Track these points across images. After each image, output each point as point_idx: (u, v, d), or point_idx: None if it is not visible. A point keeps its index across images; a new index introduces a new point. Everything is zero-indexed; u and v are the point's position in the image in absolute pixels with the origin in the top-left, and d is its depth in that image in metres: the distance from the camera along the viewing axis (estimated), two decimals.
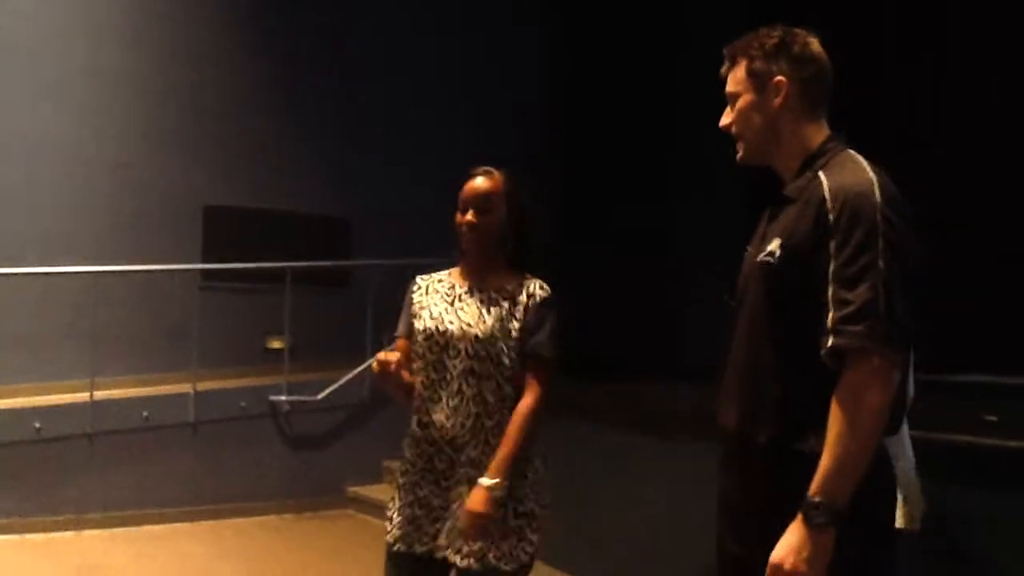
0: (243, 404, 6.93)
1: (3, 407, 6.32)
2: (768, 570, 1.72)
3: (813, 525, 1.69)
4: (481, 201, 2.57)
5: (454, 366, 2.54)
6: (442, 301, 2.64)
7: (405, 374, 2.60)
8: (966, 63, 5.99)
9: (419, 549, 2.55)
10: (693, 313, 7.30)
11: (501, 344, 2.53)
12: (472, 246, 2.60)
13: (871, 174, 1.80)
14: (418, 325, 2.63)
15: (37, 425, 6.19)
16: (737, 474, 1.95)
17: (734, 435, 1.93)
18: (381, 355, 2.44)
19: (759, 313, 1.90)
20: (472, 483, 2.49)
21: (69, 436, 6.29)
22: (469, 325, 2.55)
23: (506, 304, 2.58)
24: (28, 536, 5.99)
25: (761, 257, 1.87)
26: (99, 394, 6.42)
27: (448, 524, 2.53)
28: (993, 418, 3.48)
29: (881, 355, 1.70)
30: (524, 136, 8.41)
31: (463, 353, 2.53)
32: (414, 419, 2.63)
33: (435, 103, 8.36)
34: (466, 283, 2.65)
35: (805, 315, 1.79)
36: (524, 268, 2.65)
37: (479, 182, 2.61)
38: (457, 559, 2.50)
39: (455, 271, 2.71)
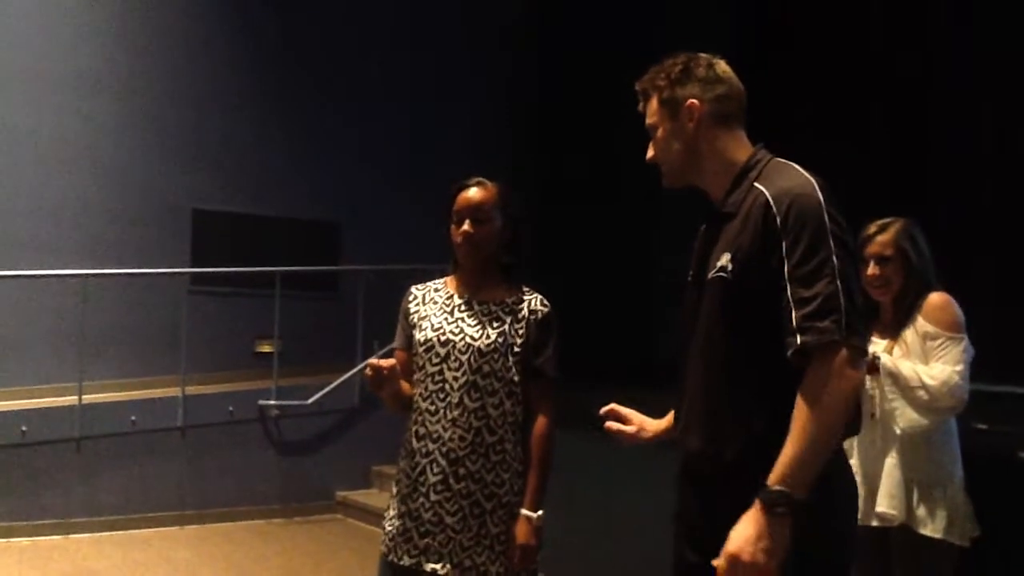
0: (232, 408, 6.90)
1: None
2: (724, 560, 1.70)
3: (773, 514, 1.67)
4: (477, 212, 2.54)
5: (455, 378, 2.52)
6: (441, 311, 2.61)
7: (405, 385, 2.58)
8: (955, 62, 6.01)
9: (407, 561, 2.53)
10: (669, 316, 7.29)
11: (504, 359, 2.52)
12: (468, 258, 2.57)
13: (808, 176, 1.84)
14: (418, 336, 2.59)
15: (24, 429, 6.15)
16: (701, 489, 1.95)
17: (699, 455, 1.93)
18: (374, 360, 2.41)
19: (714, 331, 1.89)
20: (471, 497, 2.50)
21: (56, 440, 6.26)
22: (473, 338, 2.53)
23: (508, 319, 2.56)
24: (14, 541, 5.95)
25: (713, 274, 1.88)
26: (87, 398, 6.38)
27: (442, 538, 2.50)
28: (983, 426, 3.50)
29: (848, 346, 1.72)
30: (513, 142, 8.42)
31: (465, 366, 2.51)
32: (410, 430, 2.59)
33: (425, 109, 8.37)
34: (464, 294, 2.62)
35: (764, 324, 1.80)
36: (518, 279, 2.64)
37: (473, 193, 2.57)
38: (458, 573, 2.49)
39: (450, 280, 2.68)
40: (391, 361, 2.43)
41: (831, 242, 1.75)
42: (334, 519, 6.99)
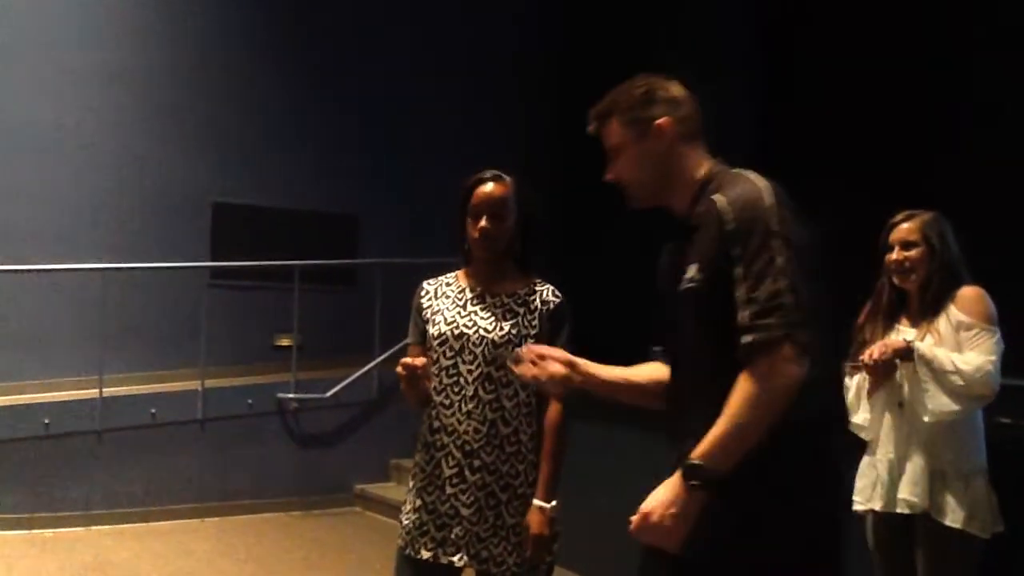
0: (251, 401, 6.93)
1: (12, 403, 6.34)
2: (637, 515, 1.81)
3: (688, 485, 1.77)
4: (496, 207, 2.53)
5: (469, 371, 2.52)
6: (454, 305, 2.60)
7: (425, 381, 2.56)
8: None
9: (424, 554, 2.53)
10: None
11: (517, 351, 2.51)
12: (485, 253, 2.56)
13: (758, 182, 1.90)
14: (432, 330, 2.59)
15: (46, 421, 6.20)
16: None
17: (682, 456, 1.95)
18: (407, 360, 2.39)
19: (694, 342, 1.94)
20: (486, 488, 2.50)
21: (77, 433, 6.31)
22: (487, 331, 2.53)
23: (521, 310, 2.56)
24: (36, 532, 6.01)
25: (684, 286, 1.93)
26: (107, 391, 6.43)
27: (459, 530, 2.50)
28: (1007, 420, 3.46)
29: (792, 343, 1.77)
30: (531, 135, 8.40)
31: (479, 358, 2.51)
32: (425, 424, 2.60)
33: (442, 101, 8.35)
34: (477, 287, 2.61)
35: (731, 328, 1.85)
36: (532, 271, 2.63)
37: (492, 188, 2.55)
38: (475, 565, 2.50)
39: (461, 273, 2.67)
40: (422, 360, 2.42)
41: (775, 242, 1.81)
42: (352, 512, 7.01)
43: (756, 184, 1.90)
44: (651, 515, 1.78)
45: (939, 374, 2.80)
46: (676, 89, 2.05)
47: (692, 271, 1.91)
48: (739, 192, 1.88)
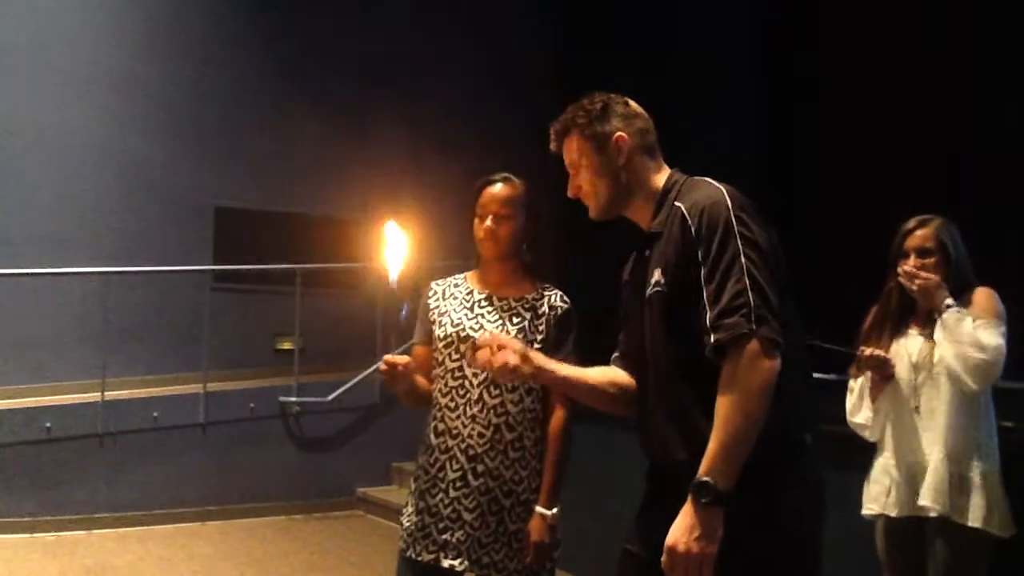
0: (253, 405, 6.94)
1: (14, 407, 6.34)
2: (664, 552, 1.80)
3: (700, 504, 1.77)
4: (501, 208, 2.54)
5: (474, 374, 2.51)
6: (461, 307, 2.60)
7: (420, 379, 2.57)
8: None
9: (425, 557, 2.52)
10: None
11: None
12: (491, 254, 2.57)
13: (719, 186, 1.96)
14: (438, 332, 2.59)
15: (48, 425, 6.21)
16: (662, 487, 2.01)
17: (661, 463, 2.00)
18: (389, 356, 2.39)
19: (662, 345, 1.96)
20: (490, 494, 2.50)
21: (79, 436, 6.31)
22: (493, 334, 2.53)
23: (528, 315, 2.56)
24: (38, 535, 6.01)
25: (651, 291, 1.97)
26: (110, 394, 6.43)
27: (461, 534, 2.50)
28: (1009, 424, 3.46)
29: (759, 338, 1.79)
30: (538, 138, 8.40)
31: None
32: (430, 426, 2.59)
33: (446, 105, 8.36)
34: (484, 289, 2.62)
35: (697, 330, 1.87)
36: (541, 275, 2.64)
37: (499, 189, 2.57)
38: (476, 570, 2.49)
39: (470, 275, 2.67)
40: (405, 358, 2.42)
41: (739, 242, 1.85)
42: (354, 515, 7.01)
43: (717, 188, 1.95)
44: (676, 547, 1.78)
45: (959, 343, 2.79)
46: (631, 104, 2.10)
47: (656, 275, 1.96)
48: (701, 196, 1.93)
